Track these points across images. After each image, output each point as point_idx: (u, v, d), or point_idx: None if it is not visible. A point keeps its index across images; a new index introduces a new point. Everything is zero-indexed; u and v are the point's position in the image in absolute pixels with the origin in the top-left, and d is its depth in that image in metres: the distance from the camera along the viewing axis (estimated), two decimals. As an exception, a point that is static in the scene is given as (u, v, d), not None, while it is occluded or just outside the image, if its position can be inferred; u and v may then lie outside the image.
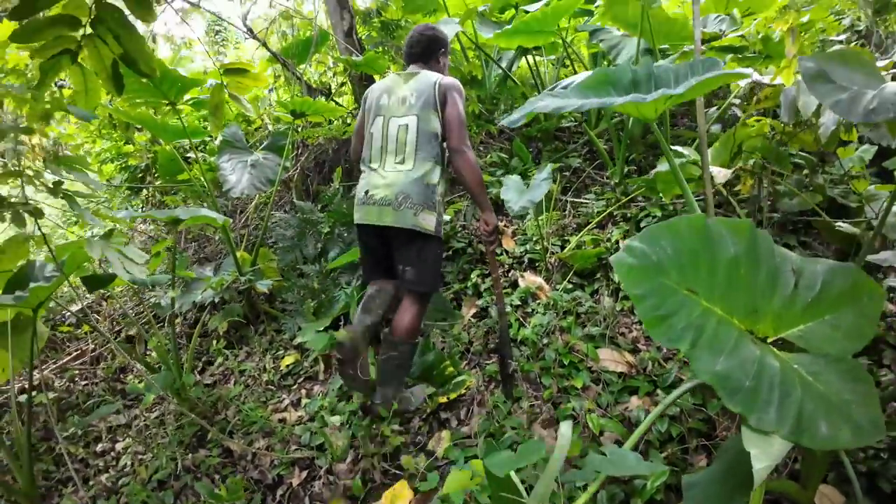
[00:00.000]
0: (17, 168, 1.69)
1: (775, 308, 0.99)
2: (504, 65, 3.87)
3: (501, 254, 2.86)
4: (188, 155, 3.52)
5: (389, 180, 1.93)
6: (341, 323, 2.68)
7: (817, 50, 3.26)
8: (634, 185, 2.84)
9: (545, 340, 2.21)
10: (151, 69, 1.56)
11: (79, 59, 1.52)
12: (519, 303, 2.48)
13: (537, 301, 2.46)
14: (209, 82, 2.52)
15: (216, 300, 3.00)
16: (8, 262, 1.93)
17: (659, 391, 1.90)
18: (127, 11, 1.43)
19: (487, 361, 2.28)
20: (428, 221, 1.91)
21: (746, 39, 2.88)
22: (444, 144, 1.98)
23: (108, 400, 2.33)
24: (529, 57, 3.74)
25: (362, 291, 2.40)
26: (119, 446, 2.13)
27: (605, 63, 3.44)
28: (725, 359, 0.89)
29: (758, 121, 2.27)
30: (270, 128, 3.67)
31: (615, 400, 1.92)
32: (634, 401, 1.89)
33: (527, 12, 3.02)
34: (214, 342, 2.84)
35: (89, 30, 1.40)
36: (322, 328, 2.68)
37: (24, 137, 1.80)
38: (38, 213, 1.66)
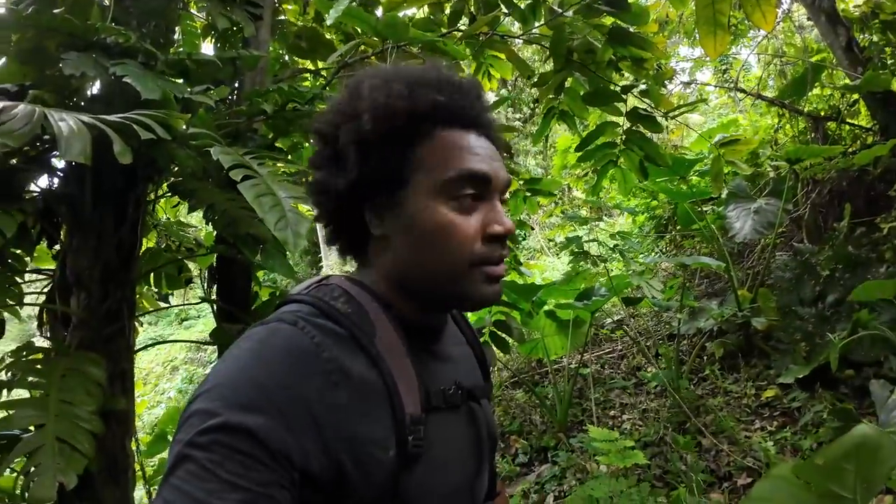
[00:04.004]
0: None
1: None
2: None
3: None
4: (703, 208, 4.28)
5: None
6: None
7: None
8: None
9: None
10: (665, 162, 2.65)
11: (618, 164, 2.71)
12: None
13: None
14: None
15: (715, 329, 3.61)
16: (575, 286, 3.41)
17: None
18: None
19: None
20: None
21: None
22: None
23: (625, 385, 3.49)
24: None
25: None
26: (625, 416, 3.20)
27: None
28: None
29: None
30: (771, 174, 3.87)
31: None
32: None
33: None
34: (708, 364, 3.47)
35: (622, 146, 2.54)
36: (801, 375, 2.80)
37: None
38: (602, 259, 3.02)
